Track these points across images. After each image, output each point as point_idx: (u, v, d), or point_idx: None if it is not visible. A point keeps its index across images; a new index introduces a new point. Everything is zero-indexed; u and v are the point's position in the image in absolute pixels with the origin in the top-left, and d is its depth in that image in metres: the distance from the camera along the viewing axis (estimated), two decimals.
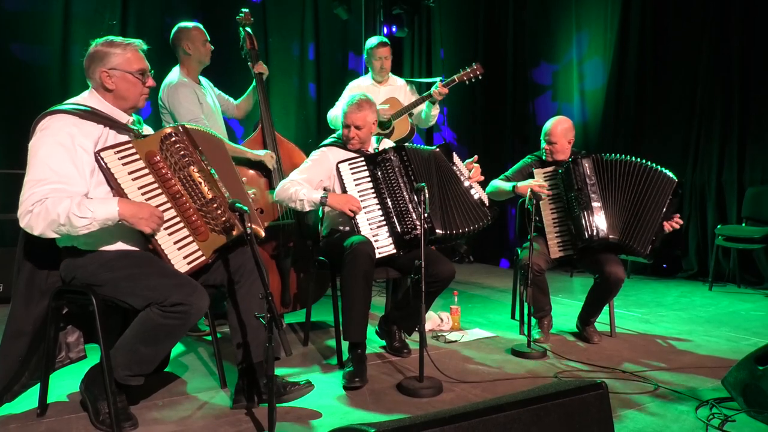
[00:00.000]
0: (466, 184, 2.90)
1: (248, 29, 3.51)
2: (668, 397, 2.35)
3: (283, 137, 3.55)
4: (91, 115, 2.05)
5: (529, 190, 3.05)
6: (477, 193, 2.91)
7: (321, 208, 2.97)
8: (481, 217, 2.87)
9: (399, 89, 3.93)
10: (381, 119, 3.72)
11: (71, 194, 1.91)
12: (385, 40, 3.95)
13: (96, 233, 1.97)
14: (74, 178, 1.95)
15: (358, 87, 3.87)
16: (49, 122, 1.99)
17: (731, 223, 4.87)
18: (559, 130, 3.30)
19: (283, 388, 2.20)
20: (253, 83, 3.53)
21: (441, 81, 3.67)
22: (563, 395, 1.37)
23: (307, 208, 2.79)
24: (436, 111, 3.82)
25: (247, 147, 3.36)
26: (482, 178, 2.96)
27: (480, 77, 3.70)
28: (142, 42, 2.18)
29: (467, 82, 3.71)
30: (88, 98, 2.12)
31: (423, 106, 3.79)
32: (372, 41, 3.92)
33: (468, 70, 3.69)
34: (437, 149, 2.93)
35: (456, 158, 2.95)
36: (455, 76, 3.68)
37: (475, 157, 2.96)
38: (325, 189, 2.89)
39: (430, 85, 3.74)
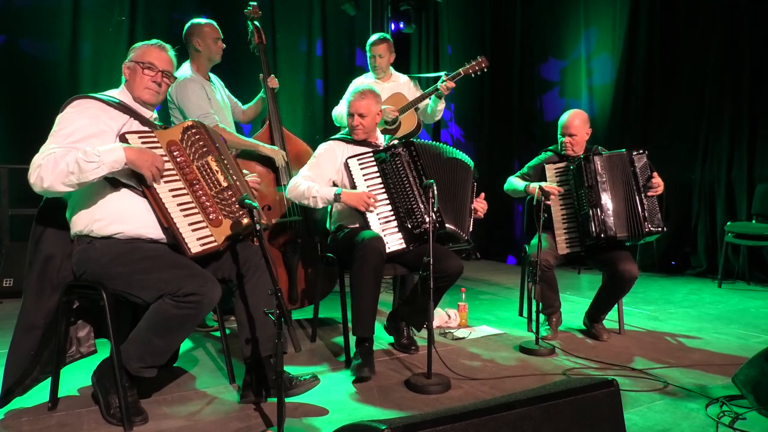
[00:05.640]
0: (469, 203, 2.88)
1: (256, 23, 3.51)
2: (678, 395, 2.34)
3: (291, 133, 3.55)
4: (118, 105, 2.17)
5: (538, 187, 3.04)
6: (469, 217, 2.87)
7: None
8: (463, 233, 2.83)
9: (402, 86, 3.89)
10: (386, 118, 3.70)
11: (78, 149, 1.95)
12: (383, 36, 3.89)
13: (109, 214, 2.04)
14: (90, 146, 1.98)
15: (360, 84, 3.84)
16: (79, 102, 2.11)
17: (741, 220, 4.85)
18: (577, 123, 3.29)
19: (289, 382, 2.21)
20: (261, 91, 3.53)
21: (446, 75, 3.63)
22: (575, 393, 1.37)
23: (320, 205, 2.79)
24: (441, 105, 3.78)
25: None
26: (480, 215, 2.92)
27: (485, 70, 3.68)
28: (171, 48, 2.30)
29: (473, 75, 3.69)
30: (118, 94, 2.24)
31: (428, 101, 3.76)
32: (371, 37, 3.90)
33: (473, 62, 3.66)
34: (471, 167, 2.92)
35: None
36: (461, 69, 3.65)
37: (482, 196, 2.96)
38: (334, 184, 2.90)
39: (435, 79, 3.71)
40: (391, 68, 3.93)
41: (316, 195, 2.74)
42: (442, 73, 3.66)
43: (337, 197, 2.70)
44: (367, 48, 3.88)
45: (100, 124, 2.07)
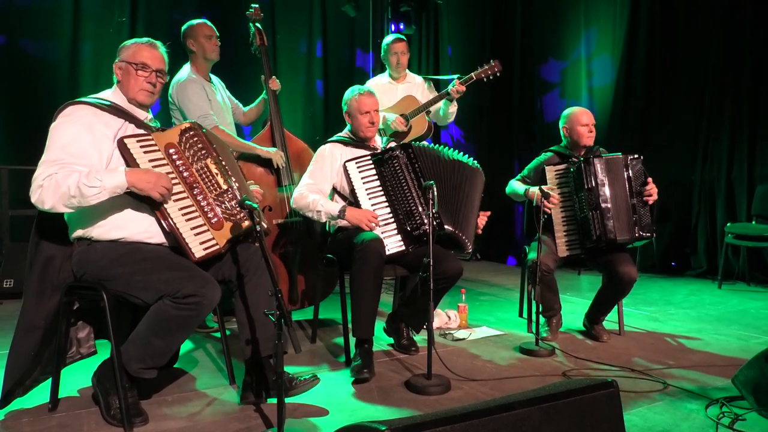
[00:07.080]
0: (475, 208, 2.89)
1: (258, 25, 3.51)
2: (678, 396, 2.34)
3: (292, 134, 3.55)
4: (111, 109, 2.13)
5: (538, 188, 3.05)
6: (474, 224, 2.88)
7: None
8: (465, 238, 2.82)
9: (417, 87, 3.88)
10: (396, 129, 3.68)
11: (80, 170, 1.95)
12: (402, 36, 3.92)
13: (109, 221, 2.03)
14: (89, 159, 1.99)
15: (375, 85, 3.84)
16: (71, 110, 2.07)
17: (741, 221, 4.85)
18: (588, 114, 3.31)
19: (289, 382, 2.21)
20: (263, 93, 3.53)
21: (458, 79, 3.59)
22: (574, 394, 1.37)
23: (324, 220, 2.81)
24: (454, 108, 3.75)
25: (256, 144, 3.37)
26: (480, 231, 2.93)
27: (498, 74, 3.62)
28: (162, 44, 2.24)
29: (485, 80, 3.64)
30: (111, 95, 2.19)
31: (440, 104, 3.73)
32: (388, 38, 3.91)
33: (486, 67, 3.61)
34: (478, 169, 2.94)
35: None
36: (473, 74, 3.60)
37: (488, 214, 2.97)
38: (334, 188, 2.90)
39: (447, 83, 3.67)
40: (406, 69, 3.92)
41: (321, 209, 2.76)
42: (454, 77, 3.62)
43: (341, 214, 2.72)
44: (386, 48, 3.88)
45: (95, 132, 2.04)
